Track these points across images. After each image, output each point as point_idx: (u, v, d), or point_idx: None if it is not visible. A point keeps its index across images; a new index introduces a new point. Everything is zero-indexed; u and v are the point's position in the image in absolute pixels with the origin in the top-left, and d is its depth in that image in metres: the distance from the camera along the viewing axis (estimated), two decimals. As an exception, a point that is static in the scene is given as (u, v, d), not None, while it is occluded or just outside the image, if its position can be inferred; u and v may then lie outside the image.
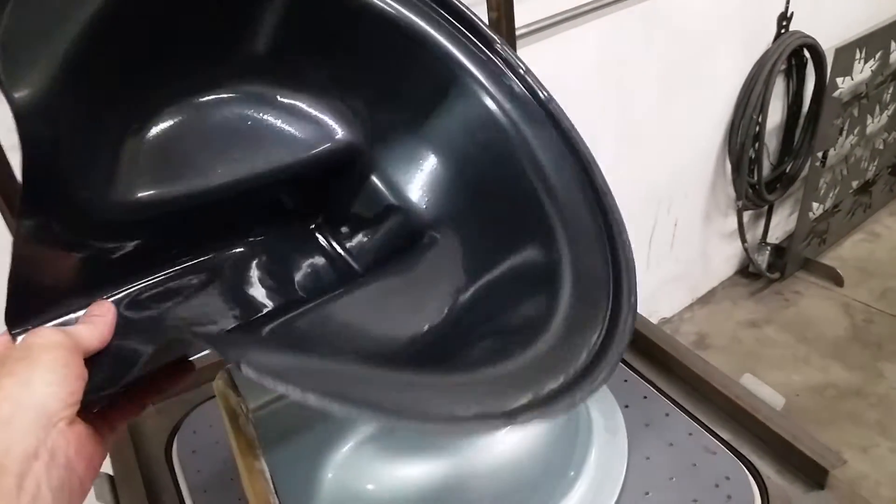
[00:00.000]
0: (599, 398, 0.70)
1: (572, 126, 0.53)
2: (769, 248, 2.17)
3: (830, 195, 2.09)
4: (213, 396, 0.57)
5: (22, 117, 0.38)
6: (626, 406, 0.69)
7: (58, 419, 0.34)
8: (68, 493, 0.34)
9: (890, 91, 2.08)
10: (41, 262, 0.42)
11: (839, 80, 1.83)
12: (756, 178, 1.92)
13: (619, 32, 1.43)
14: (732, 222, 2.03)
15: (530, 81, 0.54)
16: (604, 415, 0.68)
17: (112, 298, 0.46)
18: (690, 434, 0.66)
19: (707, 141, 1.85)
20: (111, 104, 0.44)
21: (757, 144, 1.86)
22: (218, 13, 0.47)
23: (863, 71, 1.91)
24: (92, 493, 0.55)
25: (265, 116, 0.52)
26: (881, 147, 2.21)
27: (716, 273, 2.19)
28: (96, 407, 0.39)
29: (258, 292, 0.52)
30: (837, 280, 2.10)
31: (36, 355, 0.36)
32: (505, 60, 0.54)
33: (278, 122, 0.53)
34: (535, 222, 0.49)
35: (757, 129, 1.82)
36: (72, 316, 0.43)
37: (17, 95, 0.38)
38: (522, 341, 0.42)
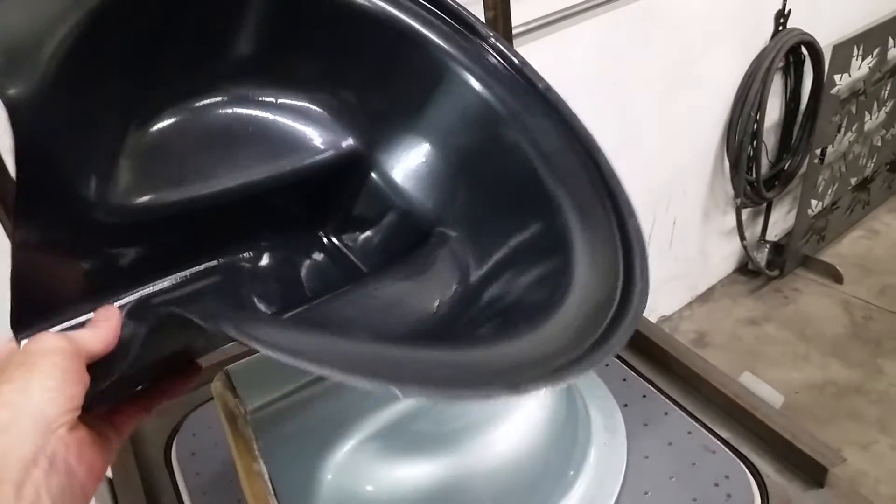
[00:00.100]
0: (598, 397, 0.69)
1: (573, 114, 0.53)
2: (768, 245, 2.17)
3: (829, 192, 2.09)
4: (212, 398, 0.57)
5: (15, 114, 0.38)
6: (626, 405, 0.69)
7: (57, 425, 0.34)
8: (69, 500, 0.34)
9: (888, 88, 2.08)
10: (42, 268, 0.41)
11: (837, 77, 1.83)
12: (754, 175, 1.92)
13: (617, 31, 1.43)
14: (731, 220, 2.03)
15: (527, 73, 0.54)
16: (603, 414, 0.68)
17: (119, 303, 0.46)
18: (690, 433, 0.66)
19: (705, 139, 1.85)
20: (105, 106, 0.44)
21: (755, 142, 1.86)
22: (202, 16, 0.47)
23: (860, 68, 1.91)
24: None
25: (266, 123, 0.52)
26: (879, 144, 2.21)
27: (715, 271, 2.19)
28: (100, 408, 0.39)
29: (267, 296, 0.52)
30: (837, 277, 2.10)
31: (35, 361, 0.35)
32: (501, 53, 0.54)
33: (280, 129, 0.53)
34: (542, 205, 0.49)
35: (755, 126, 1.82)
36: (79, 320, 0.43)
37: (10, 92, 0.38)
38: (534, 318, 0.41)
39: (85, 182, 0.43)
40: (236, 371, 0.54)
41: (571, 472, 0.61)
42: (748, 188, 1.94)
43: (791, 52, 1.85)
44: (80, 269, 0.44)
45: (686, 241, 1.98)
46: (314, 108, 0.54)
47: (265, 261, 0.53)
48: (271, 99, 0.52)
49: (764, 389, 0.68)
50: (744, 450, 0.64)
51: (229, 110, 0.51)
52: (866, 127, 2.09)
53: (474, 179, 0.53)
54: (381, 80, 0.54)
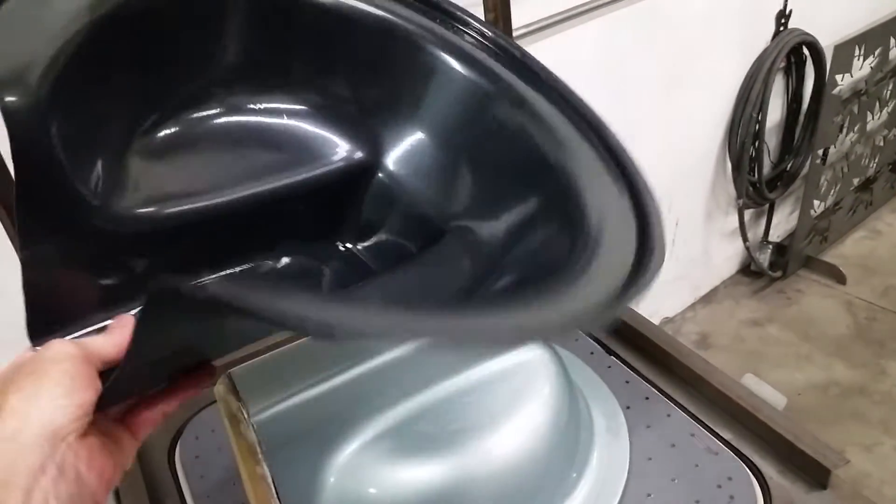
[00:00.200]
0: (601, 399, 0.70)
1: (572, 91, 0.53)
2: (771, 246, 2.17)
3: (831, 193, 2.09)
4: (215, 402, 0.57)
5: (12, 122, 0.38)
6: (628, 407, 0.69)
7: (66, 432, 0.34)
8: None
9: (890, 88, 2.08)
10: (54, 277, 0.41)
11: (839, 77, 1.83)
12: (757, 176, 1.92)
13: (618, 32, 1.43)
14: (734, 221, 2.03)
15: (519, 56, 0.54)
16: (605, 416, 0.68)
17: (135, 311, 0.46)
18: (692, 435, 0.66)
19: (707, 140, 1.85)
20: (103, 116, 0.44)
21: (757, 143, 1.86)
22: (185, 30, 0.47)
23: (862, 68, 1.91)
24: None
25: (273, 134, 0.53)
26: (882, 144, 2.20)
27: (718, 272, 2.19)
28: (112, 408, 0.39)
29: None
30: (840, 278, 2.09)
31: (44, 369, 0.35)
32: (491, 40, 0.54)
33: (287, 140, 0.53)
34: (547, 174, 0.48)
35: (757, 127, 1.82)
36: (97, 328, 0.43)
37: (7, 100, 0.38)
38: (560, 273, 0.41)
39: (89, 191, 0.43)
40: (239, 374, 0.54)
41: (574, 475, 0.61)
42: (750, 189, 1.94)
43: (792, 53, 1.85)
44: (94, 278, 0.44)
45: (689, 243, 1.98)
46: (318, 116, 0.54)
47: (282, 270, 0.54)
48: (275, 107, 0.53)
49: (766, 391, 0.68)
50: (746, 451, 0.64)
51: (233, 120, 0.51)
52: (868, 127, 2.08)
53: (479, 163, 0.52)
54: (371, 81, 0.54)
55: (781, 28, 1.78)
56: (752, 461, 0.63)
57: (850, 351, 1.88)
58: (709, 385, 0.69)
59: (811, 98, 1.98)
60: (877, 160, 2.23)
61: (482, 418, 0.57)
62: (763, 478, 0.61)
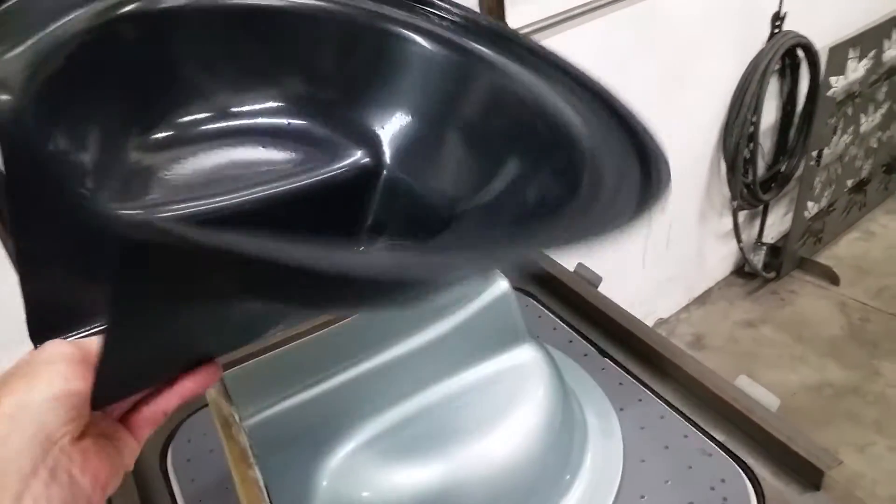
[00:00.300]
0: (594, 401, 0.69)
1: (548, 49, 0.53)
2: (765, 247, 2.17)
3: (825, 194, 2.09)
4: (207, 404, 0.57)
5: (2, 121, 0.37)
6: (622, 409, 0.69)
7: (59, 435, 0.33)
8: None
9: (883, 90, 2.09)
10: (52, 278, 0.41)
11: (833, 79, 1.84)
12: (751, 177, 1.92)
13: (613, 34, 1.43)
14: (728, 222, 2.03)
15: (480, 21, 0.54)
16: (599, 418, 0.68)
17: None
18: (686, 436, 0.66)
19: (701, 141, 1.85)
20: (95, 119, 0.44)
21: (751, 144, 1.86)
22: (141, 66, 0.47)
23: (856, 70, 1.92)
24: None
25: (273, 140, 0.52)
26: (875, 146, 2.21)
27: (712, 273, 2.19)
28: (107, 408, 0.38)
29: None
30: (833, 279, 2.10)
31: (36, 371, 0.35)
32: (458, 16, 0.54)
33: (287, 145, 0.53)
34: (541, 129, 0.48)
35: (751, 128, 1.82)
36: (102, 327, 0.42)
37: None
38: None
39: (83, 193, 0.43)
40: (231, 378, 0.54)
41: (568, 477, 0.61)
42: (745, 190, 1.94)
43: (787, 55, 1.86)
44: (94, 277, 0.43)
45: (683, 244, 1.99)
46: (314, 124, 0.54)
47: None
48: (273, 112, 0.52)
49: (760, 392, 0.68)
50: (740, 453, 0.64)
51: (230, 125, 0.51)
52: (862, 129, 2.09)
53: (472, 136, 0.52)
54: (353, 78, 0.53)
55: (776, 30, 1.79)
56: (745, 463, 0.63)
57: (844, 352, 1.89)
58: (702, 387, 0.69)
59: (805, 100, 1.98)
60: (870, 162, 2.24)
61: (476, 421, 0.57)
62: (756, 479, 0.61)
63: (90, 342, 0.37)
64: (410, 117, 0.54)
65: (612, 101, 0.48)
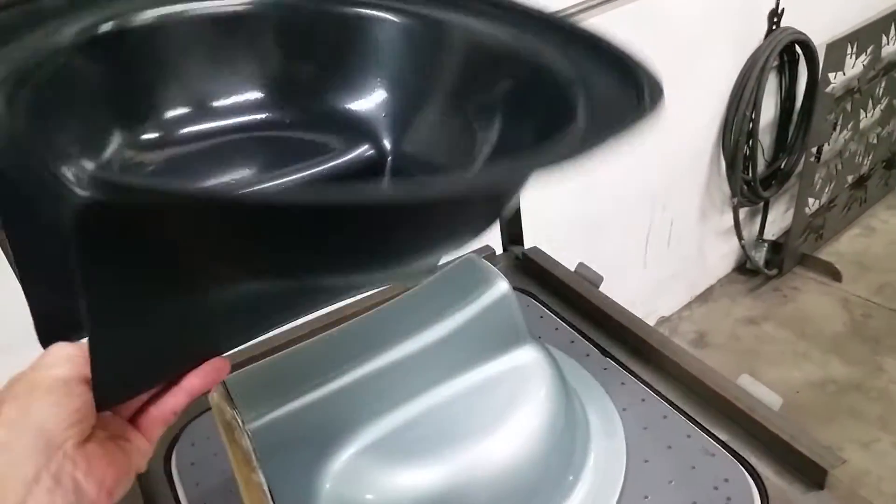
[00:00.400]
0: (597, 401, 0.69)
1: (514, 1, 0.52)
2: (766, 244, 2.17)
3: (826, 190, 2.09)
4: (211, 408, 0.57)
5: None
6: (624, 409, 0.69)
7: (62, 440, 0.33)
8: None
9: (882, 85, 2.09)
10: (55, 277, 0.41)
11: (831, 75, 1.84)
12: (751, 174, 1.92)
13: (612, 31, 1.43)
14: (728, 219, 2.03)
15: None
16: (602, 418, 0.68)
17: None
18: (689, 436, 0.66)
19: (701, 138, 1.85)
20: (85, 121, 0.44)
21: (751, 141, 1.86)
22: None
23: (855, 66, 1.92)
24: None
25: (274, 137, 0.52)
26: (875, 141, 2.21)
27: (713, 271, 2.19)
28: (111, 408, 0.38)
29: None
30: (835, 275, 2.10)
31: (37, 376, 0.35)
32: None
33: (290, 141, 0.53)
34: (530, 80, 0.48)
35: (750, 125, 1.82)
36: None
37: None
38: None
39: (72, 193, 0.43)
40: (233, 381, 0.54)
41: (571, 477, 0.61)
42: (745, 187, 1.94)
43: (785, 51, 1.86)
44: None
45: (684, 241, 1.98)
46: (305, 121, 0.53)
47: None
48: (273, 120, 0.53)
49: (762, 391, 0.68)
50: (743, 452, 0.64)
51: (224, 124, 0.51)
52: (862, 125, 2.09)
53: (462, 98, 0.51)
54: (330, 67, 0.53)
55: (774, 27, 1.79)
56: (748, 462, 0.63)
57: (847, 348, 1.89)
58: (705, 386, 0.69)
59: (804, 96, 1.98)
60: (870, 157, 2.24)
61: (478, 422, 0.57)
62: (760, 479, 0.61)
63: None
64: (398, 97, 0.53)
65: (582, 32, 0.48)
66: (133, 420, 0.40)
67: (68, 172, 0.40)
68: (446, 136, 0.52)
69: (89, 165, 0.44)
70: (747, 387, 0.68)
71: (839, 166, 2.09)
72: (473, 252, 0.83)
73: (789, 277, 2.16)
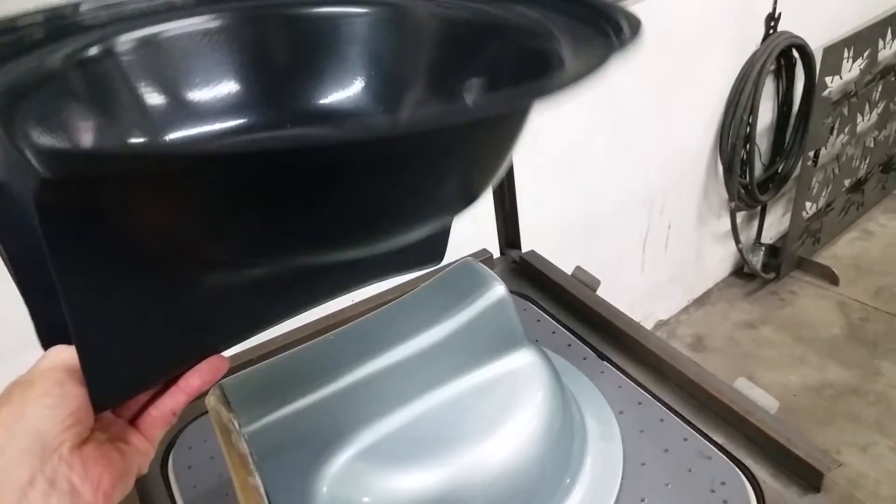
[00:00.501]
0: (594, 405, 0.70)
1: None
2: (763, 248, 2.17)
3: (823, 194, 2.10)
4: (208, 412, 0.57)
5: None
6: (621, 412, 0.69)
7: (57, 443, 0.33)
8: None
9: (879, 89, 2.09)
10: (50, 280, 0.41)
11: (828, 79, 1.84)
12: (748, 178, 1.92)
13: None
14: (726, 223, 2.03)
15: None
16: (599, 421, 0.68)
17: None
18: (685, 439, 0.66)
19: (698, 142, 1.85)
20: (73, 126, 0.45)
21: (748, 145, 1.86)
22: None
23: (851, 70, 1.92)
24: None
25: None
26: (872, 145, 2.22)
27: (711, 274, 2.19)
28: (113, 407, 0.38)
29: None
30: (833, 279, 2.10)
31: (33, 379, 0.35)
32: None
33: None
34: (508, 39, 0.48)
35: (748, 129, 1.83)
36: None
37: None
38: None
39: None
40: (230, 385, 0.54)
41: (568, 481, 0.61)
42: (742, 191, 1.94)
43: (782, 55, 1.86)
44: None
45: (681, 245, 1.99)
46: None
47: None
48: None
49: (759, 394, 0.68)
50: (739, 455, 0.64)
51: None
52: (859, 128, 2.10)
53: (443, 73, 0.52)
54: (309, 69, 0.54)
55: (771, 31, 1.79)
56: (745, 465, 0.63)
57: (844, 352, 1.89)
58: (701, 389, 0.69)
59: (801, 100, 1.99)
60: (867, 161, 2.24)
61: (475, 425, 0.57)
62: (756, 482, 0.61)
63: None
64: (381, 85, 0.54)
65: None
66: (133, 422, 0.40)
67: None
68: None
69: None
70: (744, 390, 0.68)
71: (836, 170, 2.10)
72: (470, 256, 0.83)
73: (787, 281, 2.16)
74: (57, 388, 0.35)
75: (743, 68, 1.79)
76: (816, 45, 1.86)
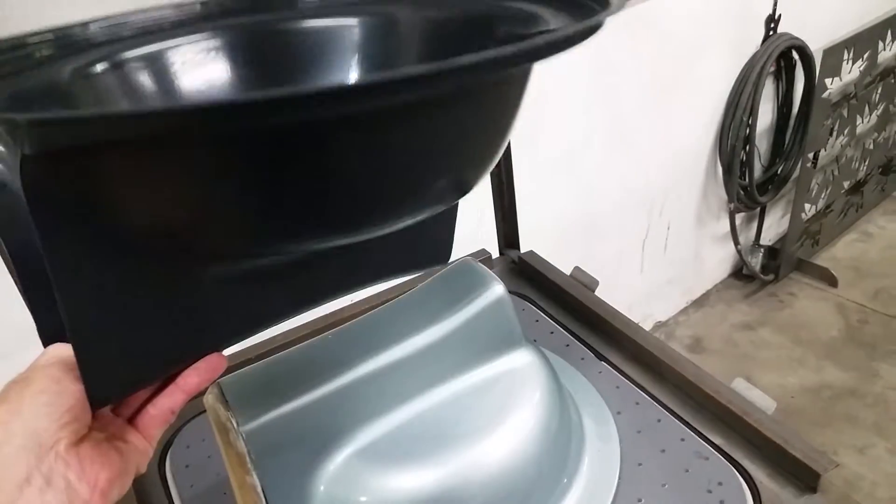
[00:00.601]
0: (591, 405, 0.70)
1: None
2: (762, 249, 2.18)
3: (822, 196, 2.10)
4: (206, 411, 0.57)
5: None
6: (619, 413, 0.69)
7: (53, 441, 0.33)
8: None
9: (878, 91, 2.10)
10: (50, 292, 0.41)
11: (828, 81, 1.85)
12: (748, 180, 1.93)
13: (608, 37, 1.43)
14: (725, 225, 2.04)
15: None
16: (596, 422, 0.68)
17: None
18: (683, 440, 0.66)
19: (698, 144, 1.86)
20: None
21: (748, 146, 1.87)
22: None
23: (851, 71, 1.92)
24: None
25: None
26: (871, 147, 2.22)
27: (710, 276, 2.19)
28: (110, 404, 0.38)
29: None
30: (831, 281, 2.10)
31: (30, 377, 0.35)
32: None
33: None
34: (494, 20, 0.48)
35: (747, 131, 1.83)
36: None
37: None
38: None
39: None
40: (228, 384, 0.54)
41: (565, 480, 0.61)
42: (741, 193, 1.95)
43: (782, 57, 1.86)
44: None
45: (681, 246, 1.99)
46: None
47: None
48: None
49: (756, 395, 0.68)
50: (737, 456, 0.64)
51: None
52: (858, 130, 2.10)
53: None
54: (305, 79, 0.54)
55: (771, 32, 1.80)
56: (742, 465, 0.63)
57: (843, 353, 1.89)
58: (699, 390, 0.69)
59: (801, 102, 1.99)
60: (867, 163, 2.24)
61: (473, 425, 0.57)
62: (753, 482, 0.61)
63: None
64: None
65: None
66: (131, 420, 0.40)
67: None
68: None
69: None
70: (741, 391, 0.68)
71: (835, 172, 2.10)
72: (469, 255, 0.83)
73: (785, 283, 2.16)
74: (53, 385, 0.35)
75: (743, 69, 1.79)
76: (816, 47, 1.86)
